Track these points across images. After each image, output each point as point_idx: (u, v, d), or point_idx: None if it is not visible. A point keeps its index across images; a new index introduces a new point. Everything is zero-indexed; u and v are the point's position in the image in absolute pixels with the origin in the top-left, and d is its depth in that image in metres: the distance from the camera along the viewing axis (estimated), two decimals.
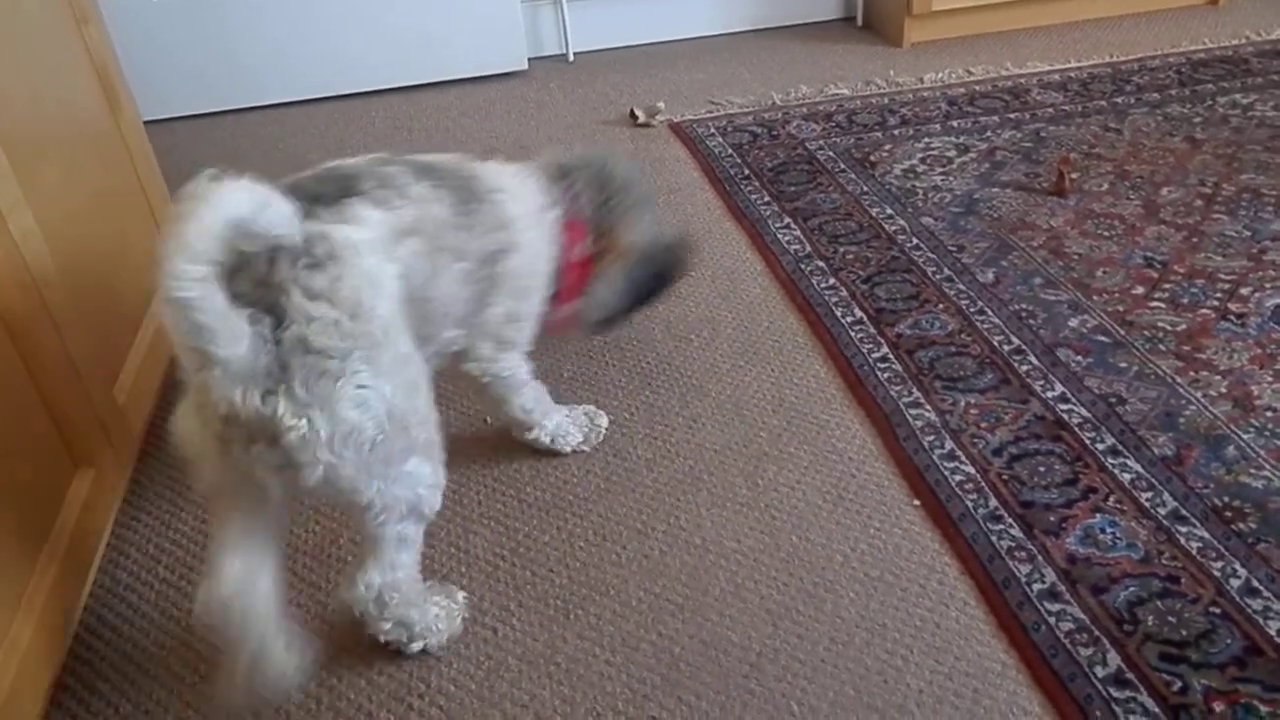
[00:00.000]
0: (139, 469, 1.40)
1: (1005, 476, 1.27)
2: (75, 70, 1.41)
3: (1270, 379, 1.41)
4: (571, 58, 2.90)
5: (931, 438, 1.34)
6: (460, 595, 1.15)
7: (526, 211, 1.19)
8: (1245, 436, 1.31)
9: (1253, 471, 1.25)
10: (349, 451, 0.89)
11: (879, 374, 1.48)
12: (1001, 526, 1.20)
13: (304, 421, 0.86)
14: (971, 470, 1.29)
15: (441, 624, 1.09)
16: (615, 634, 1.11)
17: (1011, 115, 2.32)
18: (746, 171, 2.14)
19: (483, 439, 1.43)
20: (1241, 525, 1.17)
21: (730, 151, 2.24)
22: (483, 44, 2.72)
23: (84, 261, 1.29)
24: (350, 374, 0.88)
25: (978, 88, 2.49)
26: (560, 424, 1.36)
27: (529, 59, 2.83)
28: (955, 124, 2.29)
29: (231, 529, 0.94)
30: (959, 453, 1.32)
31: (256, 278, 0.86)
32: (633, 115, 2.45)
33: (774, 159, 2.19)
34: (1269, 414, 1.34)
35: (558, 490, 1.32)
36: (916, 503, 1.26)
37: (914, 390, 1.44)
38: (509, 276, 1.16)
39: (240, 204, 0.79)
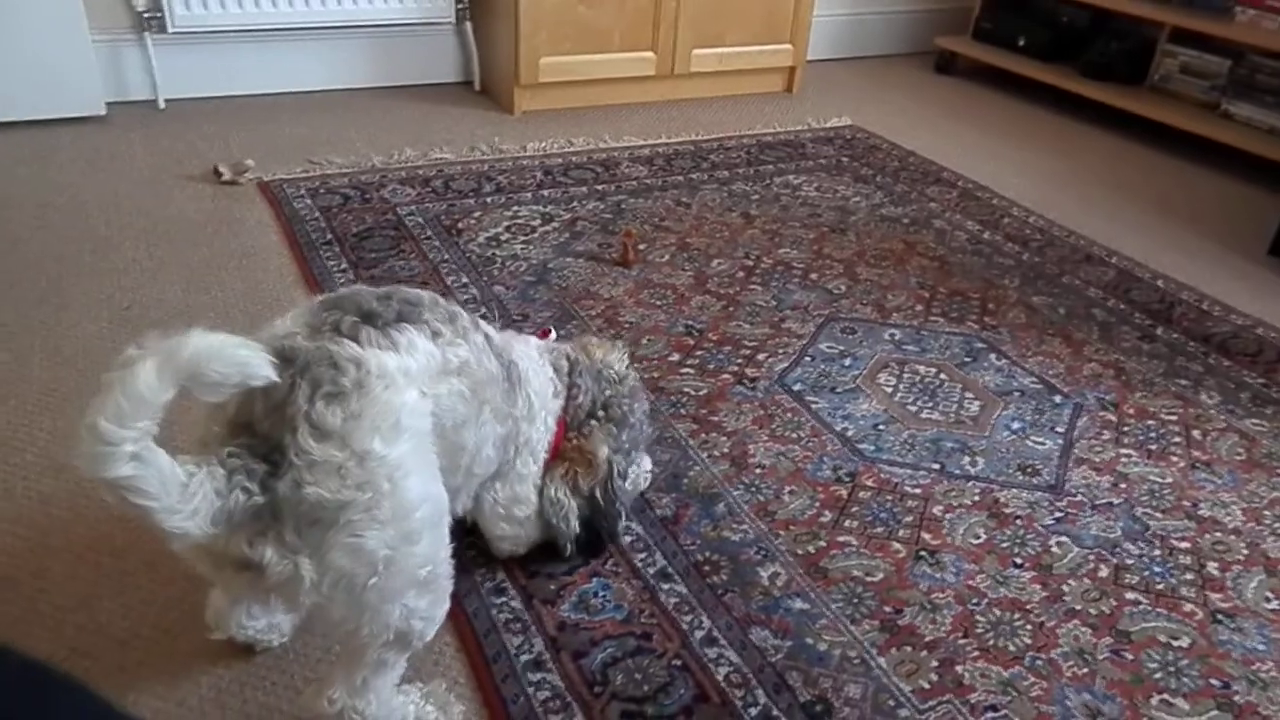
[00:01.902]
0: None
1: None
2: None
3: (765, 438, 1.59)
4: (162, 105, 2.71)
5: None
6: (457, 709, 1.07)
7: (541, 405, 1.22)
8: (735, 493, 1.46)
9: (734, 525, 1.40)
10: (339, 594, 0.88)
11: None
12: (504, 599, 1.24)
13: (290, 565, 0.84)
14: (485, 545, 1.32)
15: None
16: None
17: (599, 187, 2.47)
18: (329, 236, 2.10)
19: None
20: (715, 578, 1.30)
21: (317, 214, 2.19)
22: (49, 82, 2.47)
23: None
24: (344, 524, 0.84)
25: (574, 158, 2.63)
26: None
27: (111, 103, 2.60)
28: (546, 193, 2.41)
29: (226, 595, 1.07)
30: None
31: (275, 401, 0.83)
32: (217, 172, 2.32)
33: (361, 224, 2.17)
34: (758, 471, 1.51)
35: (30, 601, 1.19)
36: None
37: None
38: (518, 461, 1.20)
39: (166, 374, 0.72)
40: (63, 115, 2.51)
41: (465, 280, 1.97)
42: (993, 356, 1.86)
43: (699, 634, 1.21)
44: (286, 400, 0.83)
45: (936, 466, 1.55)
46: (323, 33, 2.85)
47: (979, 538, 1.41)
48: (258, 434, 0.83)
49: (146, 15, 2.60)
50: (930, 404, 1.71)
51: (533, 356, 1.24)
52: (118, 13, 2.60)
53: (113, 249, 1.99)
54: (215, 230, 2.10)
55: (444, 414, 0.97)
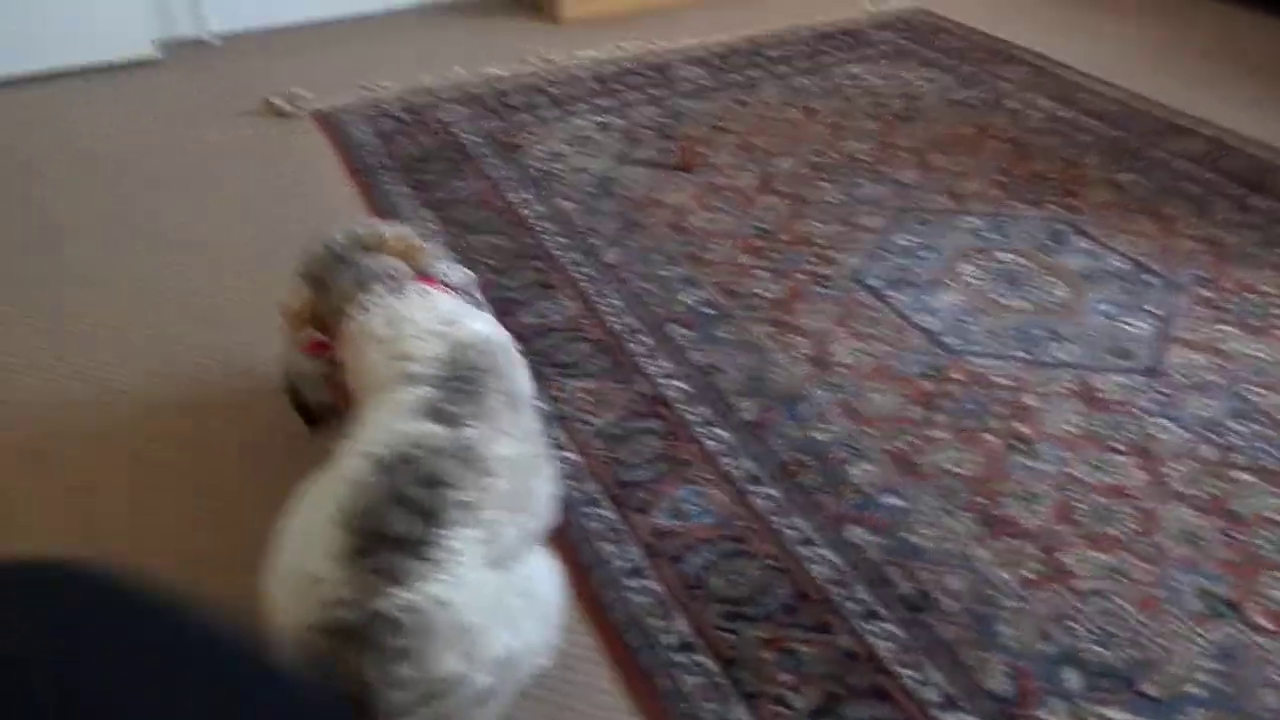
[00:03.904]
0: None
1: (605, 459, 1.33)
2: None
3: (846, 336, 1.55)
4: (211, 40, 2.69)
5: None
6: None
7: (479, 317, 1.16)
8: (819, 393, 1.44)
9: (821, 426, 1.38)
10: None
11: None
12: (595, 509, 1.25)
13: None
14: (576, 457, 1.33)
15: None
16: None
17: (654, 92, 2.40)
18: (389, 161, 2.08)
19: (59, 483, 1.30)
20: (805, 479, 1.29)
21: (374, 140, 2.17)
22: (98, 27, 2.46)
23: None
24: (457, 716, 0.86)
25: (626, 65, 2.56)
26: None
27: (160, 42, 2.59)
28: (601, 103, 2.35)
29: None
30: (565, 440, 1.35)
31: (352, 673, 0.80)
32: (272, 104, 2.31)
33: (418, 146, 2.15)
34: (841, 370, 1.48)
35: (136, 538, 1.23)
36: None
37: (533, 381, 1.46)
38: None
39: None
40: (114, 58, 2.51)
41: (528, 196, 1.95)
42: (1078, 239, 1.79)
43: (793, 535, 1.21)
44: (362, 672, 0.81)
45: (1026, 355, 1.50)
46: None
47: (1075, 425, 1.37)
48: (345, 696, 0.82)
49: None
50: (1015, 292, 1.65)
51: (457, 306, 1.17)
52: None
53: (175, 187, 2.00)
54: (275, 162, 2.10)
55: (511, 548, 0.94)
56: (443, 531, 0.87)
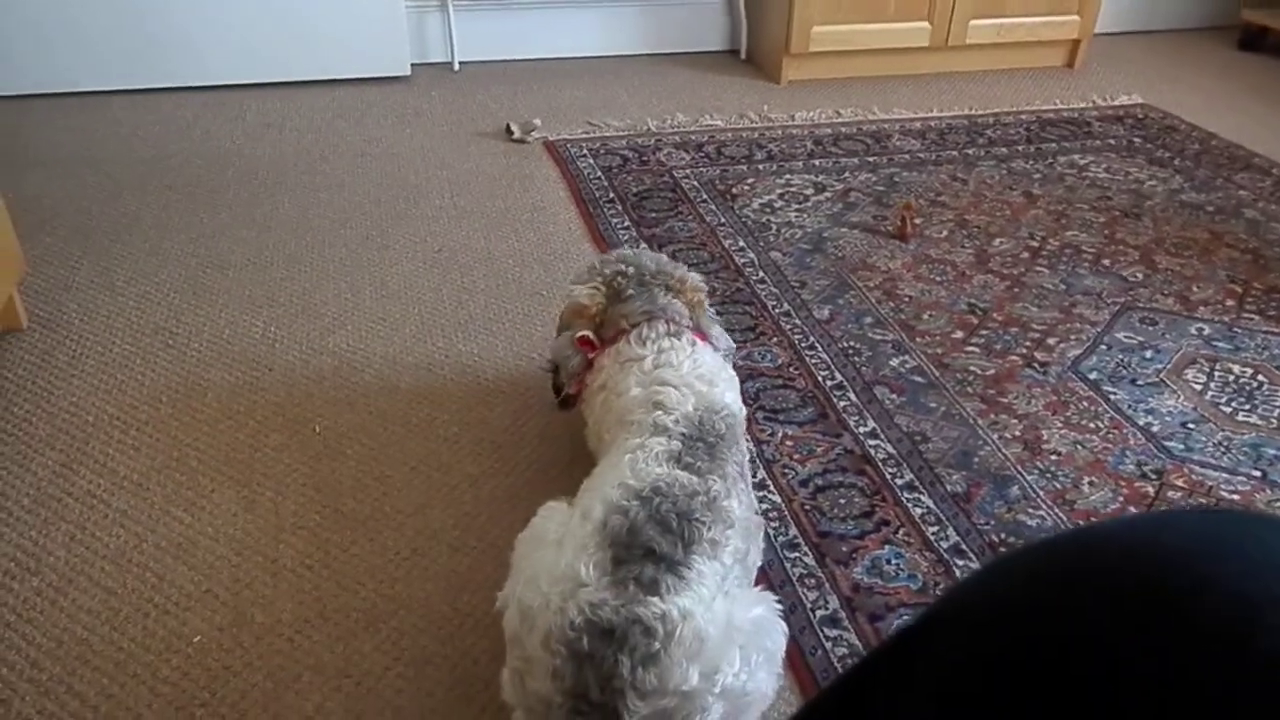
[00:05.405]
0: None
1: (808, 507, 1.34)
2: None
3: (1060, 425, 1.52)
4: (457, 67, 2.91)
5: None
6: None
7: (732, 388, 1.22)
8: (1029, 478, 1.41)
9: (1030, 510, 1.35)
10: None
11: None
12: (797, 554, 1.27)
13: None
14: (778, 499, 1.35)
15: None
16: (413, 648, 1.13)
17: (870, 159, 2.43)
18: (612, 195, 2.19)
19: (307, 446, 1.43)
20: None
21: (599, 174, 2.29)
22: (364, 46, 2.71)
23: None
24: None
25: (844, 129, 2.60)
26: None
27: (413, 65, 2.82)
28: (817, 163, 2.39)
29: None
30: (769, 482, 1.38)
31: (603, 675, 0.87)
32: (508, 130, 2.47)
33: (640, 184, 2.25)
34: (1053, 457, 1.45)
35: (376, 502, 1.33)
36: None
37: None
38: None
39: None
40: (375, 75, 2.76)
41: (742, 244, 2.00)
42: None
43: None
44: (613, 674, 0.87)
45: (1258, 474, 1.43)
46: (600, 1, 2.95)
47: None
48: (592, 702, 0.88)
49: None
50: (1247, 406, 1.57)
51: (719, 370, 1.22)
52: None
53: (422, 196, 2.17)
54: (509, 184, 2.24)
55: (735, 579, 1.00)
56: (694, 557, 0.94)
